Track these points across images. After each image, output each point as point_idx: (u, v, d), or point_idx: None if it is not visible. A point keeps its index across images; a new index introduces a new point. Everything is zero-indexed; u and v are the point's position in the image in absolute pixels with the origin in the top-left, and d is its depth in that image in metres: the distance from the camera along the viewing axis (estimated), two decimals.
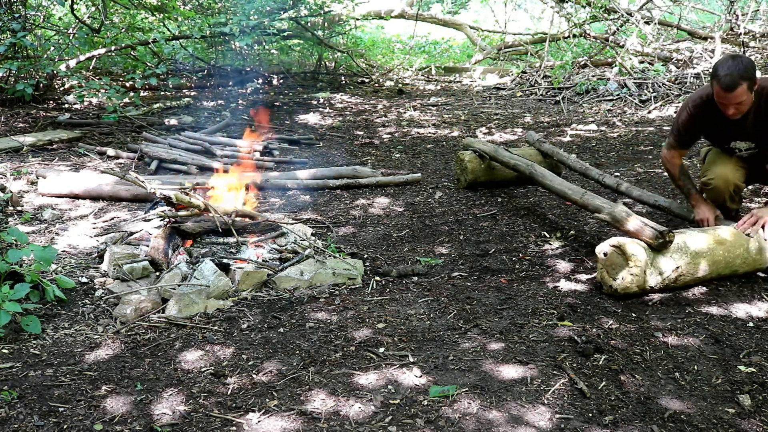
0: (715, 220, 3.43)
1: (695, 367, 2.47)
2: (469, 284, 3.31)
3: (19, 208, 4.39)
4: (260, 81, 10.32)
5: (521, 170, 4.44)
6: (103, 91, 6.77)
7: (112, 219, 4.27)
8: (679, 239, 3.07)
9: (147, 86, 8.63)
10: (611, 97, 8.45)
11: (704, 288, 3.15)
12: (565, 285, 3.22)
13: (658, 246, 2.99)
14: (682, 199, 3.86)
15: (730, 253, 3.15)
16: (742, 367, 2.46)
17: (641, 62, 9.22)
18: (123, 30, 8.85)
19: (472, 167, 4.83)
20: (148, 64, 8.82)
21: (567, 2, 10.51)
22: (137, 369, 2.48)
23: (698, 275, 3.11)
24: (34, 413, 2.17)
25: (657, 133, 6.68)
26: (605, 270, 3.10)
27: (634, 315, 2.89)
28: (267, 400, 2.28)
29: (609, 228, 3.80)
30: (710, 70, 3.18)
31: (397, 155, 6.28)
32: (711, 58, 8.72)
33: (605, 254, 3.09)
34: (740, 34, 8.95)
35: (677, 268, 3.04)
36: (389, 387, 2.35)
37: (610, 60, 9.86)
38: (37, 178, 4.95)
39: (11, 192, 4.45)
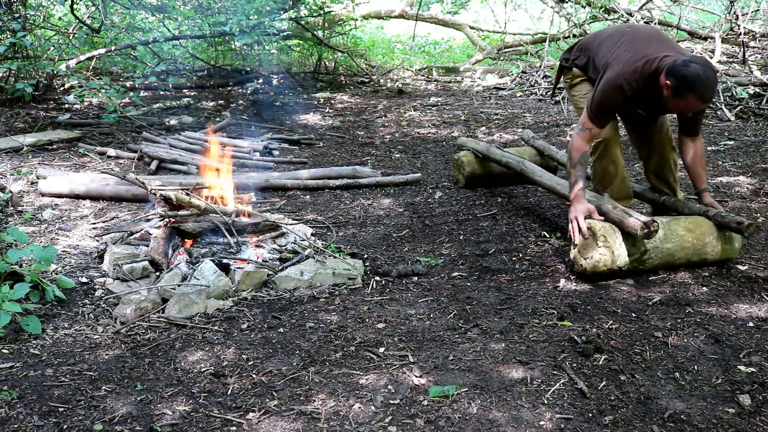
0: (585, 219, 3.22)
1: (695, 367, 2.47)
2: (469, 284, 3.31)
3: (19, 208, 4.39)
4: (260, 81, 10.32)
5: (512, 167, 4.53)
6: (103, 91, 6.75)
7: (113, 219, 4.27)
8: None
9: (146, 85, 8.63)
10: None
11: (704, 288, 3.16)
12: (565, 285, 3.22)
13: (644, 236, 3.09)
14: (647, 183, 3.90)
15: (699, 241, 3.28)
16: (742, 367, 2.46)
17: None
18: (123, 30, 8.84)
19: (468, 160, 4.92)
20: (149, 64, 8.81)
21: (567, 2, 10.50)
22: (137, 369, 2.48)
23: (667, 260, 3.27)
24: (34, 413, 2.17)
25: None
26: (577, 250, 3.24)
27: (634, 315, 2.89)
28: (267, 400, 2.28)
29: None
30: (686, 70, 3.07)
31: (397, 155, 6.28)
32: (711, 58, 8.71)
33: None
34: (740, 34, 8.94)
35: (646, 251, 3.19)
36: (389, 387, 2.35)
37: None
38: (38, 178, 4.94)
39: (11, 192, 4.45)
